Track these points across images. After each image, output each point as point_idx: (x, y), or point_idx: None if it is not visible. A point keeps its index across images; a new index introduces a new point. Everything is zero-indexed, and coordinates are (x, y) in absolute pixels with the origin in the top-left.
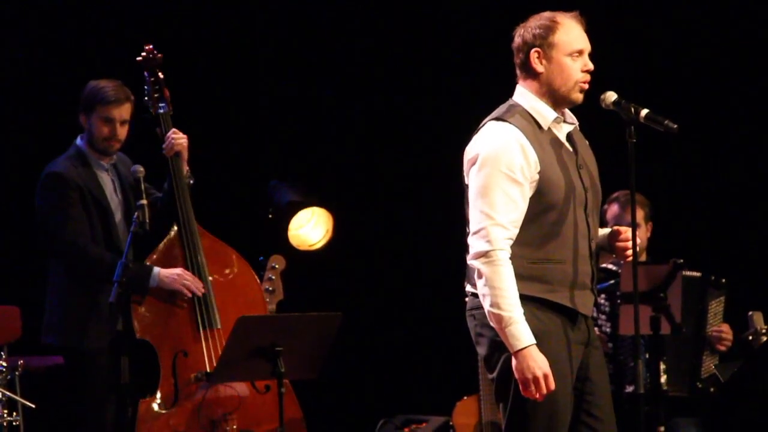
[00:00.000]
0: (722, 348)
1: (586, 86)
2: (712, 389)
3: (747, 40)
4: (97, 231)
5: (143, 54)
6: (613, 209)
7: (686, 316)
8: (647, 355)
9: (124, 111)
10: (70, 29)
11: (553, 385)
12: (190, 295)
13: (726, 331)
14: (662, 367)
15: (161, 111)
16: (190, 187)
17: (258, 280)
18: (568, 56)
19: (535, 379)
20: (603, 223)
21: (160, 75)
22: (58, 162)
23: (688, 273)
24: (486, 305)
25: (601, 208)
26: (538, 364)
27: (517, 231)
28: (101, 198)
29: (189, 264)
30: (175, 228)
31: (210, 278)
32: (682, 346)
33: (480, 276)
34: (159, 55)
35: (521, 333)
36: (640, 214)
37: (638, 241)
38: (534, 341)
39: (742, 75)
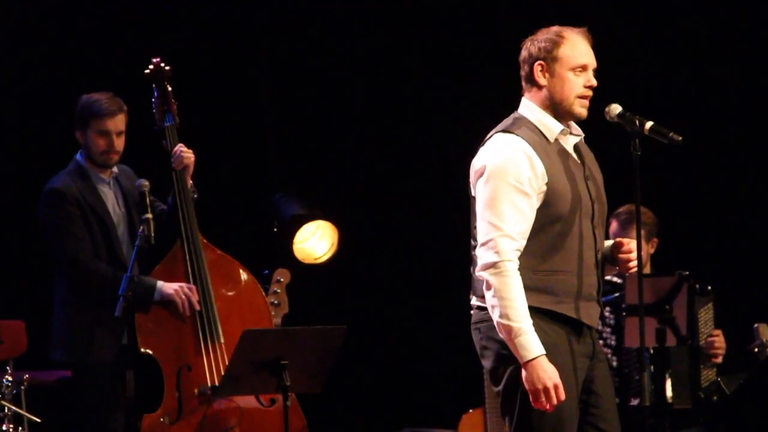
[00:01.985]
0: (717, 359)
1: (587, 102)
2: (714, 397)
3: (752, 51)
4: (99, 246)
5: (151, 67)
6: (613, 227)
7: None
8: (652, 368)
9: (118, 122)
10: (73, 41)
11: (563, 396)
12: (181, 311)
13: (718, 339)
14: (668, 380)
15: (168, 124)
16: (194, 201)
17: (263, 294)
18: (571, 71)
19: (546, 390)
20: (607, 237)
21: (169, 88)
22: (58, 178)
23: None
24: (495, 316)
25: (607, 220)
26: (548, 374)
27: (524, 242)
28: (102, 212)
29: (192, 278)
30: (179, 241)
31: (212, 292)
32: (680, 357)
33: (489, 287)
34: (167, 68)
35: (531, 344)
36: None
37: None
38: (544, 351)
39: (742, 87)
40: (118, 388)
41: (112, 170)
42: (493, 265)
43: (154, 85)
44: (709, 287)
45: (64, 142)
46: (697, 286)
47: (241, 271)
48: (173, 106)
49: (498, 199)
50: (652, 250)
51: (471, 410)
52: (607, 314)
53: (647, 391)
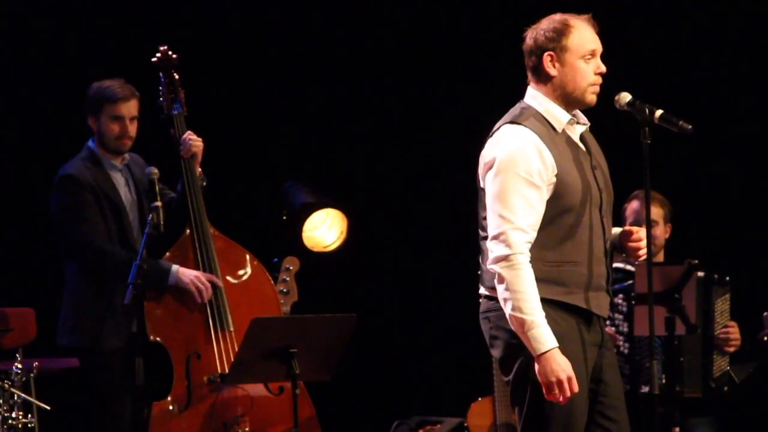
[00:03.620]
0: (730, 349)
1: (598, 89)
2: (725, 388)
3: (764, 39)
4: (112, 231)
5: (158, 55)
6: (633, 205)
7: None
8: (663, 356)
9: (132, 107)
10: (79, 30)
11: (576, 388)
12: (199, 300)
13: (733, 331)
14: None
15: (175, 112)
16: (203, 189)
17: (272, 282)
18: (581, 59)
19: (560, 382)
20: (621, 219)
21: (176, 76)
22: (71, 164)
23: None
24: (507, 309)
25: (620, 206)
26: (562, 366)
27: (535, 234)
28: (115, 198)
29: (201, 266)
30: (188, 229)
31: (221, 281)
32: (692, 346)
33: (501, 280)
34: (174, 56)
35: (544, 336)
36: (659, 213)
37: (653, 238)
38: (557, 344)
39: (756, 74)
40: (126, 376)
41: (124, 157)
42: (504, 258)
43: (161, 74)
44: (728, 278)
45: (70, 131)
46: (716, 276)
47: (249, 259)
48: (181, 94)
49: (508, 191)
50: (667, 235)
51: (480, 398)
52: (620, 301)
53: (656, 379)
